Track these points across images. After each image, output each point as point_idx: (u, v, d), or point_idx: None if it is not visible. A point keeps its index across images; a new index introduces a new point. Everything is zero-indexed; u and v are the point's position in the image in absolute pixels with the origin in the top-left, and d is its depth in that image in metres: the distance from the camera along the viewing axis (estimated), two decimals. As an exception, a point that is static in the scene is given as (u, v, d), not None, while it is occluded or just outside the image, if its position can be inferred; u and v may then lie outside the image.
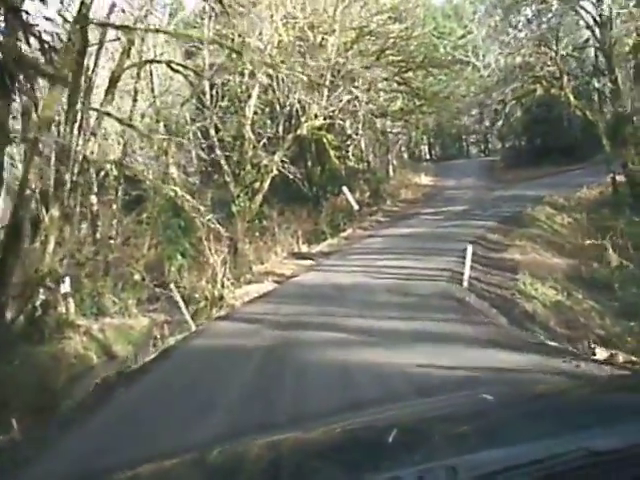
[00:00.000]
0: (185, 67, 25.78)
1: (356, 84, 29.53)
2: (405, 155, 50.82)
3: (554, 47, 26.78)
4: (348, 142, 34.04)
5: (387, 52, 30.69)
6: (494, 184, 36.12)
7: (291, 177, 27.29)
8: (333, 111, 27.70)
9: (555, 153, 38.35)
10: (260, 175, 26.41)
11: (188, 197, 22.23)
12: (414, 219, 27.70)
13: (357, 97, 27.80)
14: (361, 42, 29.98)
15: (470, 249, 15.81)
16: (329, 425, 2.24)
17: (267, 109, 29.74)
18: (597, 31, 26.12)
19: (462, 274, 15.21)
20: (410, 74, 32.74)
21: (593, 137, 38.87)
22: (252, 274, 20.99)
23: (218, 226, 21.31)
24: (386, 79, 32.54)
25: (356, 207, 30.87)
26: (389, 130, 39.96)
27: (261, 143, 27.32)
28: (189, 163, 30.72)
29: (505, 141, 47.94)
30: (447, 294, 14.31)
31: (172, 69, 25.60)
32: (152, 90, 28.56)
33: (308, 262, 21.52)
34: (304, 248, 25.19)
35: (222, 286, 18.73)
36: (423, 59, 31.38)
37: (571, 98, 27.39)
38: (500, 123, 42.09)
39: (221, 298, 18.21)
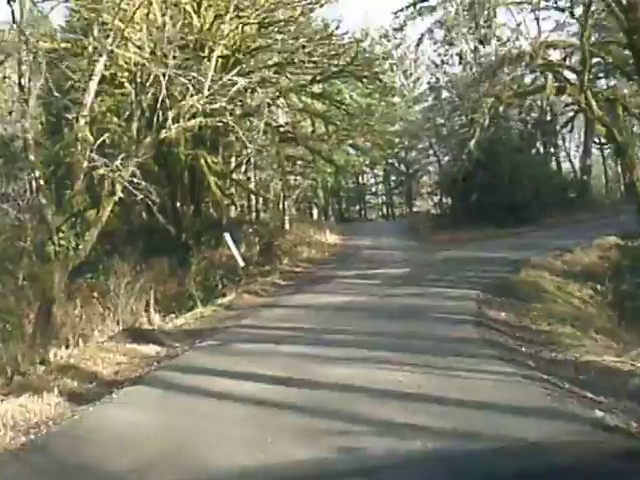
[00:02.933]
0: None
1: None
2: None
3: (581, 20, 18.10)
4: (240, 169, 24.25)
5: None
6: (429, 245, 27.12)
7: (156, 220, 17.65)
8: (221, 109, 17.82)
9: (497, 212, 29.97)
10: (98, 198, 15.99)
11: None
12: (333, 283, 18.03)
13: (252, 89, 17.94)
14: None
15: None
16: None
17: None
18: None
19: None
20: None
21: (546, 195, 31.34)
22: (37, 373, 10.31)
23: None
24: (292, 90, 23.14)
25: (242, 264, 21.04)
26: (291, 170, 30.55)
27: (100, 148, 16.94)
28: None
29: (429, 198, 39.53)
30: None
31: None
32: None
33: (152, 350, 11.13)
34: (157, 319, 14.76)
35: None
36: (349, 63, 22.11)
37: (593, 106, 18.62)
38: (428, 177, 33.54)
39: None
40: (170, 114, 16.15)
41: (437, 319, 10.87)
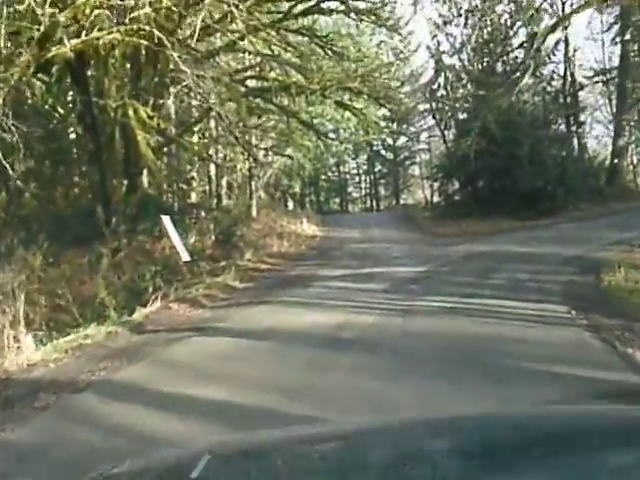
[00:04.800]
0: None
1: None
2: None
3: None
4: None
5: None
6: (433, 238, 21.25)
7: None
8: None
9: (513, 201, 24.18)
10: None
11: None
12: (313, 287, 11.98)
13: None
14: None
15: None
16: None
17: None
18: None
19: None
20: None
21: (573, 181, 25.53)
22: None
23: None
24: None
25: (186, 257, 15.17)
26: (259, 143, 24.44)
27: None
28: None
29: (423, 185, 33.45)
30: None
31: None
32: None
33: None
34: (28, 343, 8.60)
35: None
36: None
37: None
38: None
39: None
40: (61, 17, 10.08)
41: (551, 380, 4.90)
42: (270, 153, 26.36)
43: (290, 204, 41.00)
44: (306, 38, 16.35)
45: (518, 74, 27.41)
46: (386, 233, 22.94)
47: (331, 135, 39.97)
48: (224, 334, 7.85)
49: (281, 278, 14.18)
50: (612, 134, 28.85)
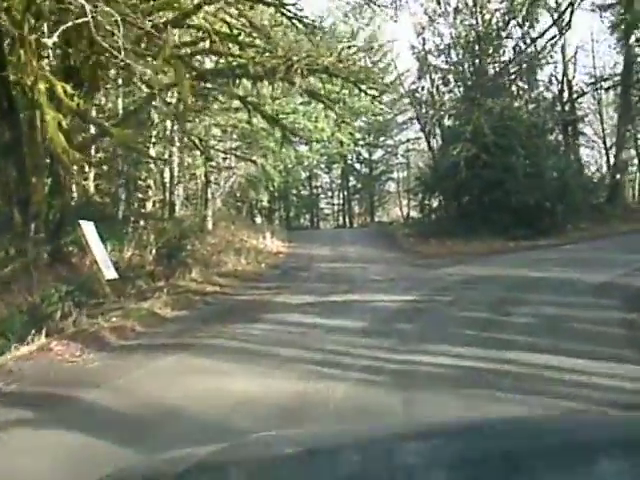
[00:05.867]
0: None
1: None
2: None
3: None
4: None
5: None
6: (418, 258, 18.00)
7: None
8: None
9: (505, 218, 21.10)
10: None
11: None
12: (265, 323, 8.57)
13: None
14: None
15: None
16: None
17: None
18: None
19: None
20: None
21: (573, 198, 22.42)
22: None
23: None
24: None
25: (111, 275, 11.84)
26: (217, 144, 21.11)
27: None
28: None
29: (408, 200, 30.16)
30: None
31: None
32: None
33: None
34: None
35: None
36: None
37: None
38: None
39: None
40: None
41: None
42: (230, 157, 22.98)
43: (259, 219, 37.80)
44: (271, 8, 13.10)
45: (512, 77, 24.62)
46: (362, 251, 19.64)
47: (301, 137, 37.16)
48: (72, 424, 4.42)
49: (226, 306, 10.82)
50: (606, 147, 25.84)
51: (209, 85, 15.09)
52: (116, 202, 21.22)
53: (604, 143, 28.28)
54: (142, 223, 18.05)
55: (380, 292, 10.88)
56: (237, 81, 14.59)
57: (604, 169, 27.82)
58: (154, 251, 16.22)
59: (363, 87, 13.61)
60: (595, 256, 15.43)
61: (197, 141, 18.79)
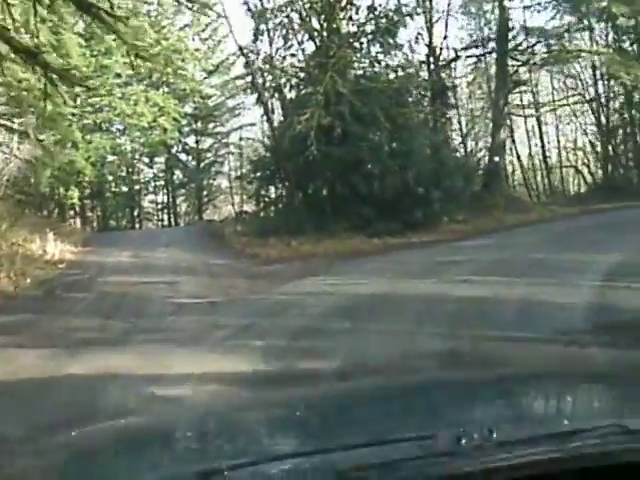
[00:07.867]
0: None
1: None
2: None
3: None
4: None
5: None
6: (254, 265, 12.75)
7: None
8: None
9: (365, 209, 16.39)
10: None
11: None
12: None
13: None
14: None
15: None
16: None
17: None
18: None
19: None
20: None
21: (452, 181, 17.87)
22: None
23: None
24: None
25: None
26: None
27: None
28: None
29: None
30: None
31: None
32: None
33: None
34: None
35: None
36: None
37: None
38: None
39: None
40: None
41: None
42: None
43: (77, 220, 31.42)
44: None
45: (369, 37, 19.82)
46: (178, 256, 13.95)
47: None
48: None
49: None
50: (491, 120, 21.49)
51: None
52: None
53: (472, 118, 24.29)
54: None
55: (186, 344, 5.41)
56: None
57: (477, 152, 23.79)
58: None
59: None
60: (519, 258, 10.79)
61: None
